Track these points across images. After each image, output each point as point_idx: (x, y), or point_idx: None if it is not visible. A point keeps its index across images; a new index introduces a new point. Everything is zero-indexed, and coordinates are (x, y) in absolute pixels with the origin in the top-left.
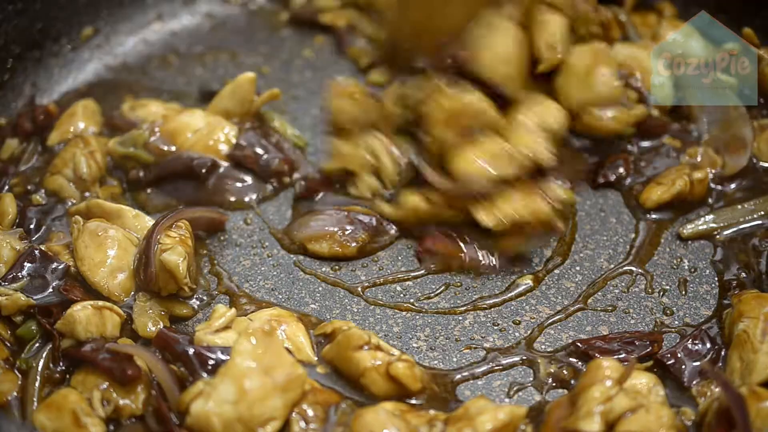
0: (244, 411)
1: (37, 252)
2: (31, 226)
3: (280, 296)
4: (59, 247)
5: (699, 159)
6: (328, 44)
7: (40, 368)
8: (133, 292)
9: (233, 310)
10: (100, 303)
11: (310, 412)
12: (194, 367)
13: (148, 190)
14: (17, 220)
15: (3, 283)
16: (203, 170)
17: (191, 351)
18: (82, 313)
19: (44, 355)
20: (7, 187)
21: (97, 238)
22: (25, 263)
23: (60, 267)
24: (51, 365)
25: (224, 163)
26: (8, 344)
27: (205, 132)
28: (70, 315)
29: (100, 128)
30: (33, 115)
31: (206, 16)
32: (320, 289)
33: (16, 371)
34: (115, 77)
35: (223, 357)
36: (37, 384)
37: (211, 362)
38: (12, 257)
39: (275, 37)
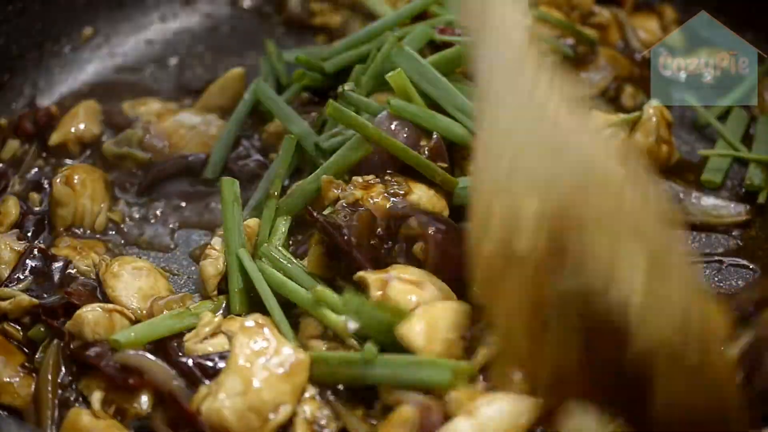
0: (254, 399)
1: (36, 251)
2: (30, 232)
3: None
4: (67, 250)
5: None
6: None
7: (50, 369)
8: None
9: (219, 316)
10: (110, 306)
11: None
12: (196, 377)
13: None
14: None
15: (9, 285)
16: (200, 166)
17: (190, 362)
18: (91, 315)
19: (53, 356)
20: (9, 189)
21: (124, 272)
22: (27, 262)
23: (61, 264)
24: (62, 367)
25: None
26: (24, 348)
27: (202, 129)
28: (78, 316)
29: (102, 129)
30: (34, 117)
31: (206, 16)
32: None
33: (34, 375)
34: (115, 77)
35: (221, 362)
36: (49, 387)
37: (211, 370)
38: (13, 258)
39: (276, 36)
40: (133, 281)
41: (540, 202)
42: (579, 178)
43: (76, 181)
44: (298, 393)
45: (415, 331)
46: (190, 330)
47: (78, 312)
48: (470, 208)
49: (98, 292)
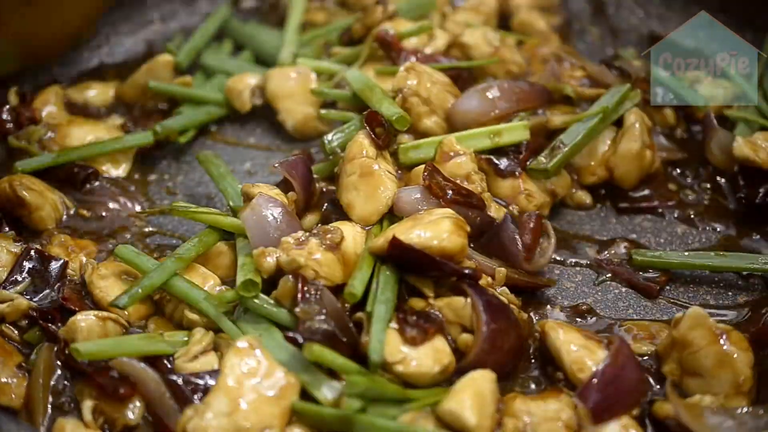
0: (240, 421)
1: (33, 252)
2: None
3: None
4: (59, 249)
5: None
6: None
7: (41, 374)
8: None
9: (210, 333)
10: (104, 314)
11: None
12: (185, 395)
13: None
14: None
15: (7, 287)
16: (81, 179)
17: (180, 380)
18: (84, 323)
19: (44, 360)
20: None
21: (111, 275)
22: (24, 263)
23: (58, 265)
24: (56, 371)
25: (106, 176)
26: (20, 348)
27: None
28: (72, 323)
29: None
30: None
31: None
32: None
33: (28, 374)
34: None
35: (211, 380)
36: (41, 391)
37: (201, 387)
38: (10, 260)
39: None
40: (121, 284)
41: None
42: None
43: (27, 183)
44: (286, 417)
45: (466, 406)
46: (160, 356)
47: (72, 319)
48: None
49: (84, 292)
